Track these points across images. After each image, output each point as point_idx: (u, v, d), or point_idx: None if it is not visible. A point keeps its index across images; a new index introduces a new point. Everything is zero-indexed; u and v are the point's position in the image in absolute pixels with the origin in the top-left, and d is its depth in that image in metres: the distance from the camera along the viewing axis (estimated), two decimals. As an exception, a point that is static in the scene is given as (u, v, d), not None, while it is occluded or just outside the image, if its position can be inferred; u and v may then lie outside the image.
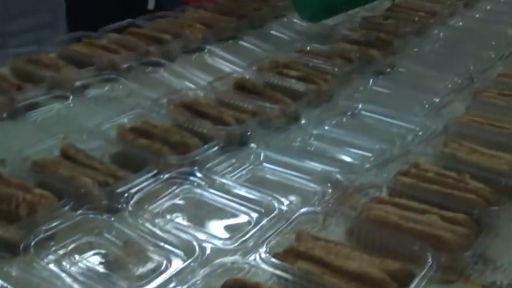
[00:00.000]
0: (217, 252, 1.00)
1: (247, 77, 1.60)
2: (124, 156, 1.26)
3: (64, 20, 2.91)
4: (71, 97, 1.49)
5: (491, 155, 1.29)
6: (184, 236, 1.04)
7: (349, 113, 1.50)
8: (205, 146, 1.26)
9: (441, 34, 2.06)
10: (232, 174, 1.24)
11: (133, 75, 1.63)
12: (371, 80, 1.65)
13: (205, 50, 1.81)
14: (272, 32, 2.01)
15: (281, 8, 2.16)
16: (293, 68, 1.66)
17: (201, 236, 1.04)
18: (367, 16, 2.14)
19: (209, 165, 1.24)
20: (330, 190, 1.18)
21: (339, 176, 1.21)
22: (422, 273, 0.94)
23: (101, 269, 0.99)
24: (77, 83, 1.53)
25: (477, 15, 2.28)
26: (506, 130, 1.39)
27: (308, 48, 1.84)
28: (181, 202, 1.16)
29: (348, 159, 1.32)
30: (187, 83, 1.62)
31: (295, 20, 2.10)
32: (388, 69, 1.76)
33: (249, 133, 1.35)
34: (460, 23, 2.20)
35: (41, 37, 3.17)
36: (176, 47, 1.78)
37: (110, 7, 2.69)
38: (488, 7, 2.38)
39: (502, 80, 1.68)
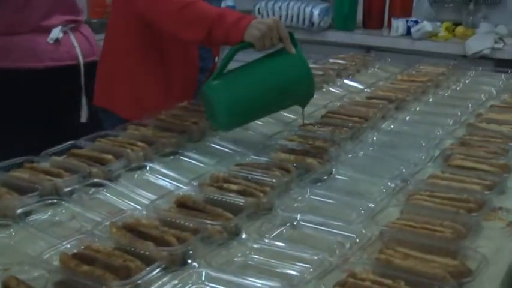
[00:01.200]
0: None
1: (188, 194, 1.64)
2: (67, 285, 1.28)
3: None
4: (13, 225, 1.50)
5: (424, 259, 1.34)
6: None
7: (288, 224, 1.55)
8: (148, 269, 1.29)
9: (374, 138, 2.16)
10: (175, 296, 1.26)
11: (76, 198, 1.66)
12: (308, 190, 1.71)
13: (147, 168, 1.86)
14: (212, 145, 2.08)
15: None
16: (233, 181, 1.72)
17: None
18: (303, 124, 2.23)
19: (152, 288, 1.26)
20: (271, 306, 1.21)
21: (279, 291, 1.24)
22: None
23: None
24: (19, 210, 1.55)
25: (407, 118, 2.40)
26: (438, 233, 1.46)
27: (247, 160, 1.90)
28: (125, 329, 1.17)
29: (288, 271, 1.36)
30: (130, 203, 1.65)
31: (234, 132, 2.17)
32: (325, 177, 1.84)
33: (190, 252, 1.38)
34: (392, 126, 2.31)
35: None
36: (118, 167, 1.82)
37: (42, 124, 2.71)
38: (418, 108, 2.52)
39: (432, 182, 1.76)
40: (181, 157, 1.97)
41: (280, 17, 4.62)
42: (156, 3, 2.13)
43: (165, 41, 2.32)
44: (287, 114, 2.32)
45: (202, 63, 2.49)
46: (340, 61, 3.19)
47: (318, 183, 1.80)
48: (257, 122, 2.28)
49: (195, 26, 2.05)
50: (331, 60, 3.19)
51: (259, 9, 4.72)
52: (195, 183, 1.71)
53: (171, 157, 1.97)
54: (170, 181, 1.79)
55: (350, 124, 2.20)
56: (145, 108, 2.26)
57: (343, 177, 1.84)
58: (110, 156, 1.84)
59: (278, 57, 2.03)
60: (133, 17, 2.27)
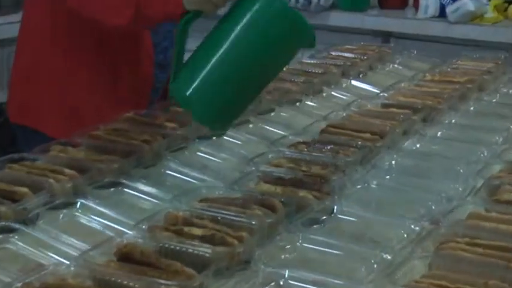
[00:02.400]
0: None
1: (135, 241, 1.65)
2: None
3: None
4: None
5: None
6: None
7: (273, 284, 1.56)
8: None
9: (393, 162, 2.18)
10: None
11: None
12: (300, 235, 1.73)
13: (78, 205, 1.87)
14: (168, 172, 2.09)
15: (180, 137, 2.26)
16: (196, 224, 1.73)
17: None
18: (295, 142, 2.25)
19: None
20: None
21: None
22: None
23: None
24: None
25: (439, 134, 2.43)
26: (481, 297, 1.47)
27: (217, 193, 1.91)
28: None
29: None
30: (53, 255, 1.65)
31: (199, 154, 2.19)
32: (324, 217, 1.85)
33: (137, 324, 1.39)
34: (418, 145, 2.35)
35: None
36: (37, 204, 1.82)
37: None
38: (454, 120, 2.55)
39: (473, 224, 1.78)
40: (126, 189, 1.98)
41: (265, -9, 4.65)
42: None
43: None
44: (273, 129, 2.34)
45: (161, 55, 2.54)
46: (347, 54, 3.22)
47: (315, 226, 1.81)
48: (232, 140, 2.30)
49: (117, 5, 2.13)
50: (334, 53, 3.22)
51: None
52: (143, 227, 1.71)
53: (111, 189, 1.98)
54: (109, 223, 1.79)
55: (359, 143, 2.22)
56: (82, 122, 2.30)
57: (349, 217, 1.86)
58: (24, 189, 1.84)
59: (246, 8, 1.97)
60: None
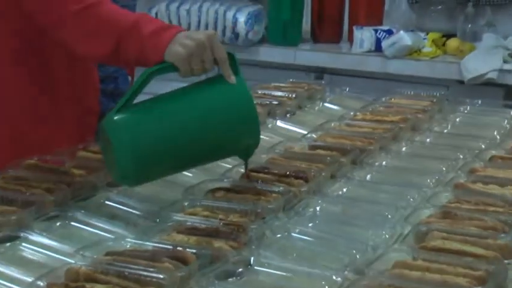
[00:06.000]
0: None
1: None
2: None
3: None
4: None
5: None
6: None
7: None
8: None
9: (317, 208, 2.19)
10: None
11: None
12: (214, 289, 1.73)
13: (-31, 262, 1.85)
14: (73, 223, 2.07)
15: (88, 185, 2.26)
16: (100, 280, 1.71)
17: None
18: (213, 189, 2.24)
19: None
20: None
21: None
22: None
23: None
24: None
25: (368, 177, 2.46)
26: None
27: (125, 245, 1.90)
28: None
29: None
30: None
31: (108, 203, 2.18)
32: (241, 269, 1.84)
33: None
34: (345, 190, 2.36)
35: None
36: None
37: None
38: (384, 163, 2.58)
39: (398, 273, 1.79)
40: (24, 244, 1.95)
41: (189, 25, 4.68)
42: (50, 2, 2.25)
43: (49, 52, 2.44)
44: (189, 174, 2.34)
45: (112, 84, 2.70)
46: (275, 92, 3.24)
47: (230, 279, 1.81)
48: (144, 187, 2.30)
49: (98, 36, 2.19)
50: (260, 92, 3.23)
51: (156, 14, 4.77)
52: (41, 284, 1.70)
53: (8, 244, 1.95)
54: (3, 282, 1.77)
55: (281, 188, 2.23)
56: (26, 153, 2.37)
57: (267, 269, 1.85)
58: None
59: (211, 87, 2.16)
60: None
